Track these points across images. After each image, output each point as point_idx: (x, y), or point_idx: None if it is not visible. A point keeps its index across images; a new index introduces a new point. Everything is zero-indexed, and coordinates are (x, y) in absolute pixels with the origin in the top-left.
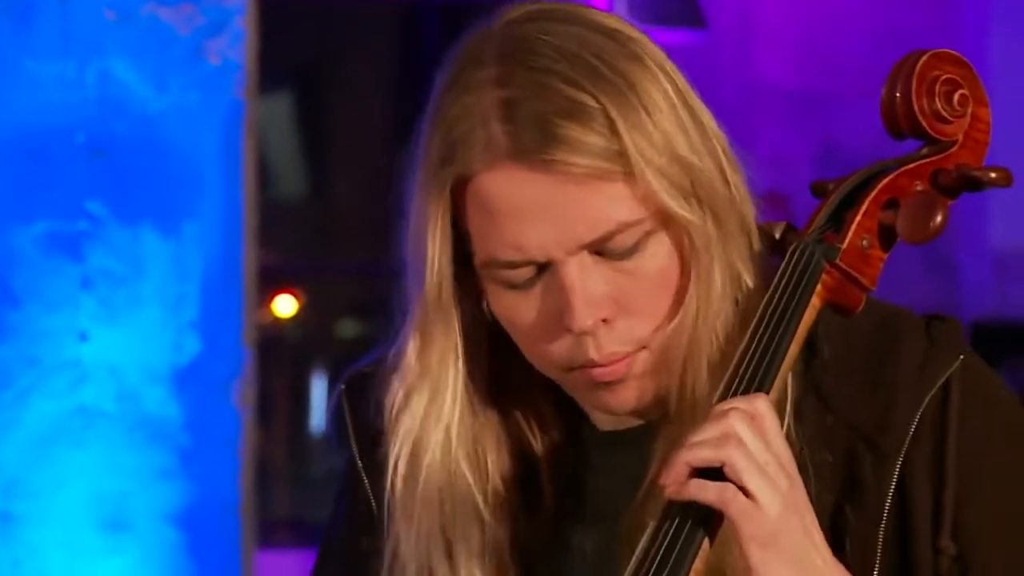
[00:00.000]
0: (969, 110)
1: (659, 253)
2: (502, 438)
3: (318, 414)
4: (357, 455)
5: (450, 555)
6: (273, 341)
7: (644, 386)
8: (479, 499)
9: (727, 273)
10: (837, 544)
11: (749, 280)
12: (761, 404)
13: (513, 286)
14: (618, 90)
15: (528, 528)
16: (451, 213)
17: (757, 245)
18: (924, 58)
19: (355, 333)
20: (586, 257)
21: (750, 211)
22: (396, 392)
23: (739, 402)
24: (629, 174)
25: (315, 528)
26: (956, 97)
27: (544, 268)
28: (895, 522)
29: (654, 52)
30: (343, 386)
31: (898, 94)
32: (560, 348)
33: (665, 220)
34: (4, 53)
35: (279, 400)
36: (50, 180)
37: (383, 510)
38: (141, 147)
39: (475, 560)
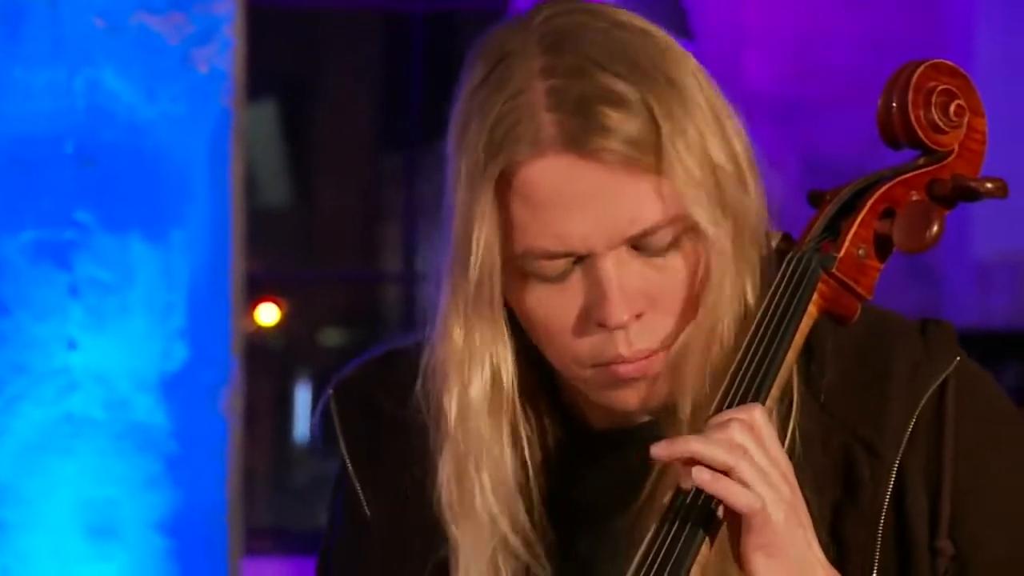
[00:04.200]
0: (965, 120)
1: (691, 253)
2: (513, 435)
3: (302, 423)
4: (348, 461)
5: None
6: (256, 350)
7: (657, 388)
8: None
9: (736, 284)
10: (836, 546)
11: (752, 291)
12: (758, 414)
13: (546, 279)
14: (659, 84)
15: (529, 527)
16: (497, 204)
17: (765, 252)
18: (920, 69)
19: (338, 341)
20: (624, 252)
21: (764, 218)
22: (441, 382)
23: (737, 412)
24: (664, 170)
25: (298, 536)
26: (952, 108)
27: (579, 261)
28: (892, 523)
29: (685, 55)
30: (331, 391)
31: (894, 104)
32: (588, 344)
33: (694, 223)
34: None
35: (262, 409)
36: (38, 189)
37: (376, 512)
38: (129, 156)
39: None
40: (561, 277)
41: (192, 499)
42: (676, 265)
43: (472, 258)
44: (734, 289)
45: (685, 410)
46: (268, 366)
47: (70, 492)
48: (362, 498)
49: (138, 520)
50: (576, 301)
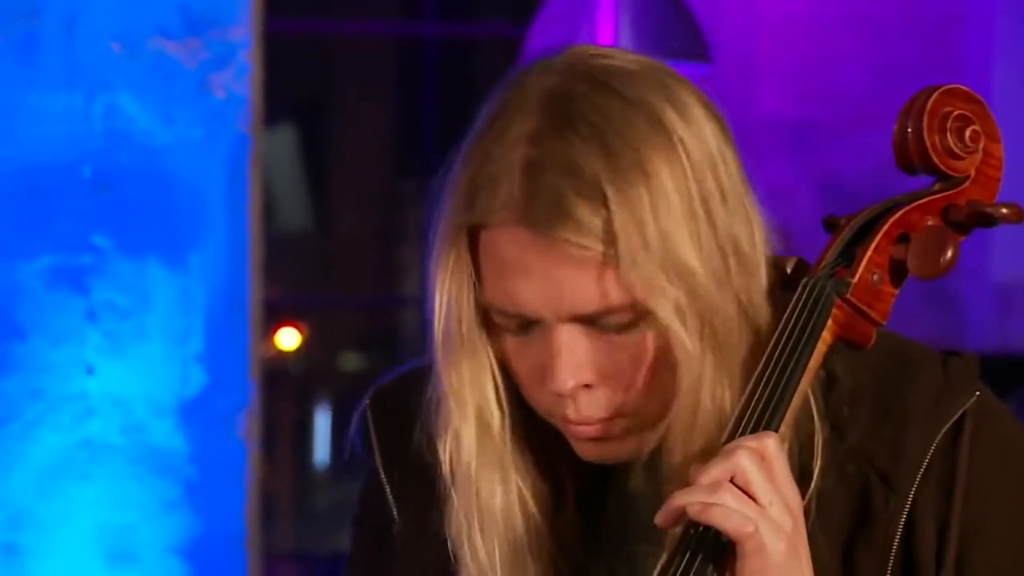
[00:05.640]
0: (981, 146)
1: (650, 335)
2: (539, 461)
3: (321, 447)
4: (381, 468)
5: None
6: (276, 374)
7: (623, 446)
8: (533, 522)
9: (713, 371)
10: None
11: (729, 380)
12: (770, 443)
13: (509, 330)
14: (630, 178)
15: (560, 546)
16: (469, 251)
17: (766, 313)
18: (936, 94)
19: (358, 366)
20: (577, 325)
21: (759, 293)
22: (443, 434)
23: (749, 440)
24: (621, 263)
25: (319, 561)
26: (968, 133)
27: (536, 322)
28: (902, 556)
29: (696, 141)
30: (368, 401)
31: (910, 129)
32: (546, 398)
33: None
34: (9, 87)
35: (282, 433)
36: (55, 214)
37: (405, 521)
38: (146, 181)
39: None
40: (521, 331)
41: (211, 524)
42: (633, 344)
43: (441, 300)
44: (711, 372)
45: (676, 458)
46: (288, 391)
47: (88, 517)
48: (392, 503)
49: (156, 545)
50: (535, 357)
